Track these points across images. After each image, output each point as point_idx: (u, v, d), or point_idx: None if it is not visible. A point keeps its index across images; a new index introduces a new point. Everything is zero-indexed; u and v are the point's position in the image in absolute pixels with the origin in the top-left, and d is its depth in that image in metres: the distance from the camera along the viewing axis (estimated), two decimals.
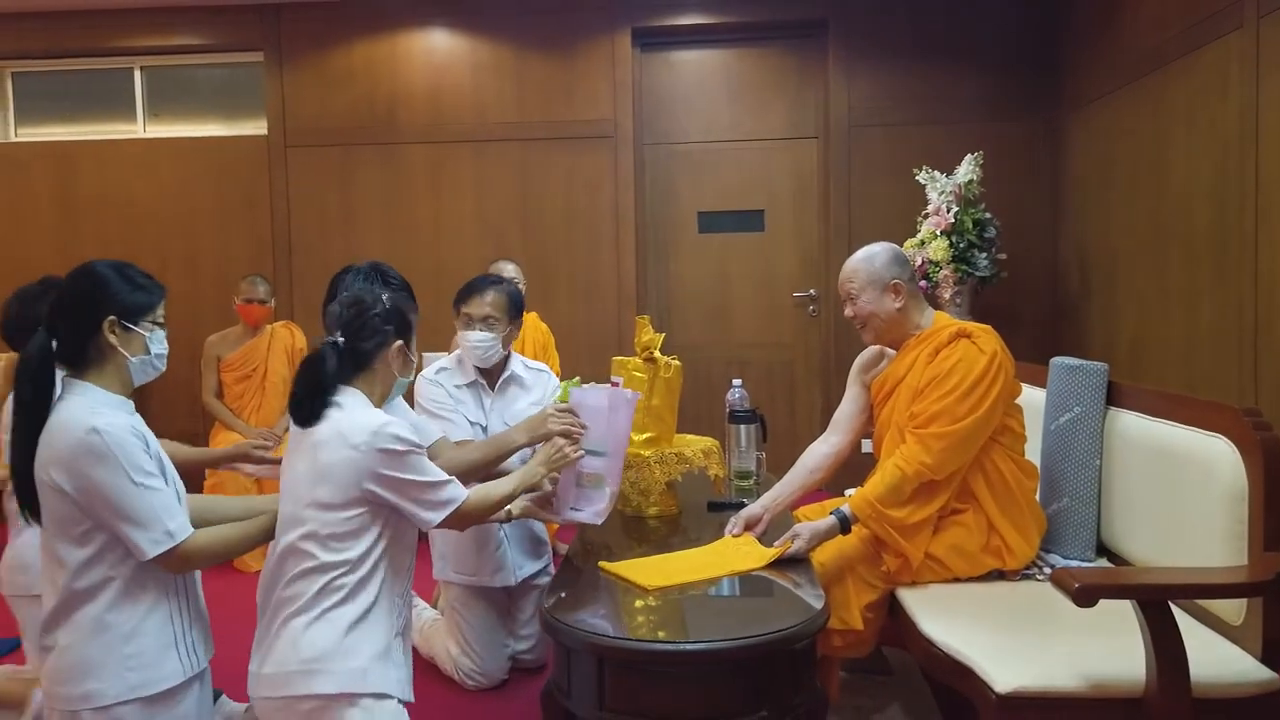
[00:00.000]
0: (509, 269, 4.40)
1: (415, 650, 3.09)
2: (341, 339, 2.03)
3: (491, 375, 2.99)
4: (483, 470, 2.51)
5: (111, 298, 1.90)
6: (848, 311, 2.57)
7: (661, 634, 1.88)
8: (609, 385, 2.52)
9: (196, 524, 1.94)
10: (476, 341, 2.87)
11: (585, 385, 2.50)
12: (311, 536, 1.89)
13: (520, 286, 4.40)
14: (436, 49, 5.32)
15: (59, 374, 1.90)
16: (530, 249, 5.28)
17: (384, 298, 2.09)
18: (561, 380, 2.85)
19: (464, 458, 2.52)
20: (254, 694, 1.90)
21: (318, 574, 1.88)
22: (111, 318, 1.89)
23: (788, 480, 2.67)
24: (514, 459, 2.62)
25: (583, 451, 2.36)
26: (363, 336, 2.04)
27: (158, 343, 1.96)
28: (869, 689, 2.77)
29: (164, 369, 2.00)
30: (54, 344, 1.88)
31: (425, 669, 3.00)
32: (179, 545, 1.84)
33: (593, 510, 2.39)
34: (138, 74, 5.58)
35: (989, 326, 2.45)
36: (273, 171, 5.39)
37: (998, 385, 2.30)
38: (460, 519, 2.06)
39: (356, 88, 5.35)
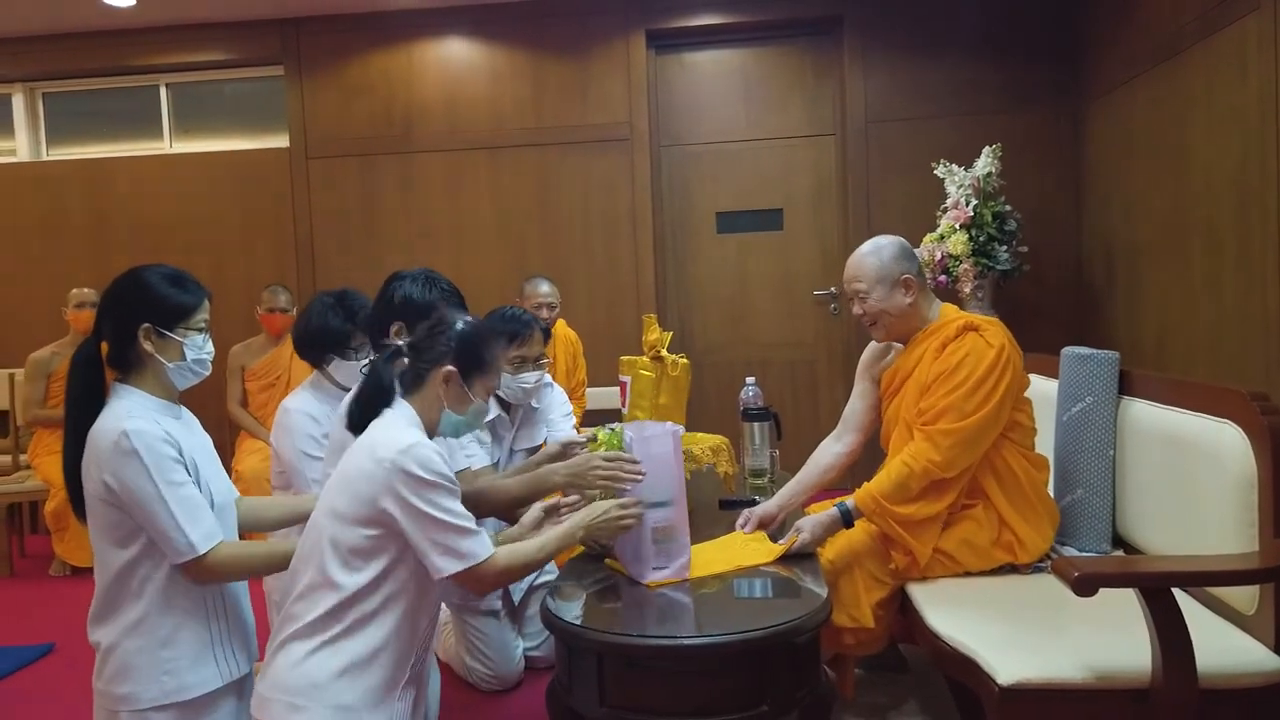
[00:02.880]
0: (545, 287, 4.34)
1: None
2: (407, 347, 1.96)
3: (514, 406, 2.94)
4: (520, 506, 2.31)
5: (147, 304, 1.90)
6: (856, 309, 2.50)
7: (660, 629, 1.88)
8: (643, 423, 2.34)
9: (245, 526, 1.96)
10: (535, 381, 2.83)
11: (616, 426, 2.31)
12: (327, 546, 1.79)
13: (556, 305, 4.38)
14: (452, 57, 5.37)
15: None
16: (549, 253, 5.31)
17: (461, 324, 1.96)
18: (592, 426, 2.69)
19: (505, 490, 2.35)
20: (251, 709, 1.84)
21: (326, 593, 1.76)
22: (146, 325, 1.89)
23: (800, 479, 2.64)
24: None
25: (637, 512, 2.08)
26: (423, 349, 1.95)
27: (195, 348, 1.94)
28: (885, 686, 2.74)
29: (207, 374, 1.99)
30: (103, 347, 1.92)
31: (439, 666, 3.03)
32: (201, 557, 1.82)
33: (678, 564, 2.14)
34: (163, 91, 5.70)
35: (997, 319, 2.41)
36: (295, 182, 5.47)
37: (1006, 379, 2.25)
38: (478, 581, 1.82)
39: (375, 98, 5.42)
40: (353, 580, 1.76)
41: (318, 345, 2.75)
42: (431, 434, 1.93)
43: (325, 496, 1.86)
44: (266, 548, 1.98)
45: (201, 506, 1.85)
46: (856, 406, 2.71)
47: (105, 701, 1.89)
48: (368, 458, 1.79)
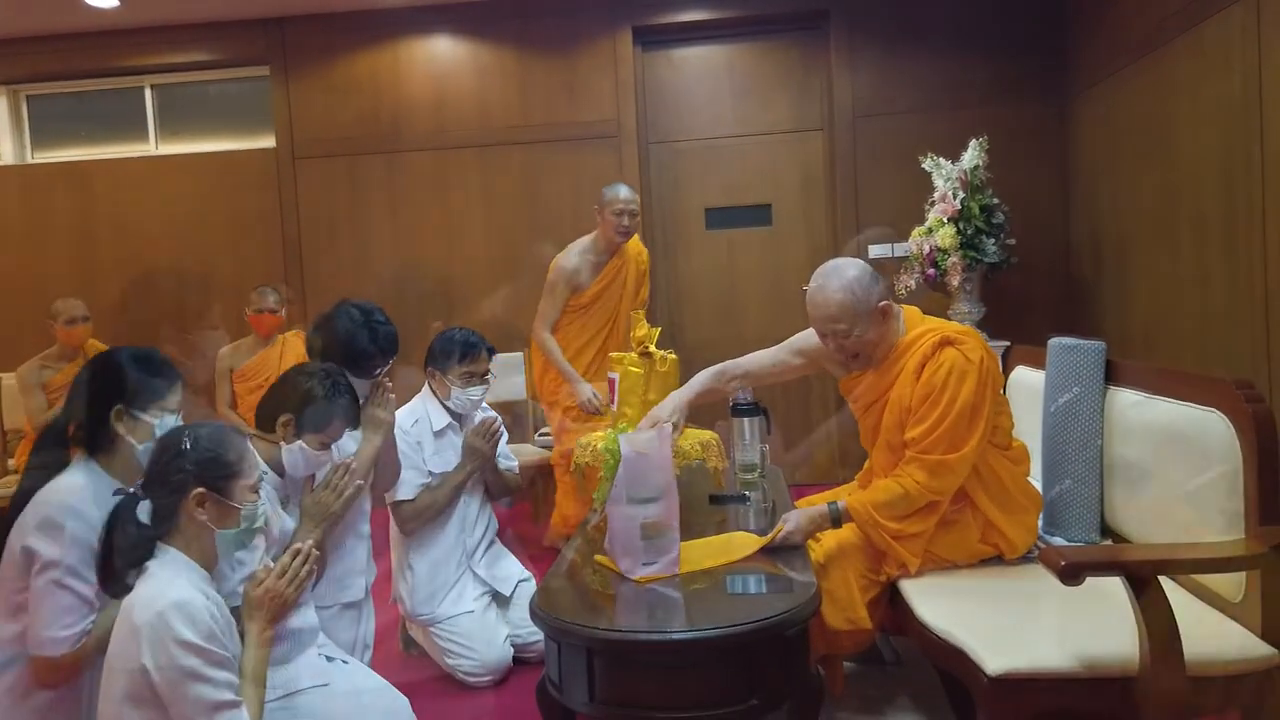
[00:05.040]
0: (625, 192, 4.08)
1: (416, 644, 3.13)
2: (141, 488, 1.75)
3: (463, 417, 3.13)
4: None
5: (122, 386, 1.91)
6: (833, 345, 2.37)
7: (648, 624, 1.88)
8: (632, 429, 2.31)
9: None
10: (481, 395, 3.07)
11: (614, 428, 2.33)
12: None
13: (638, 212, 4.22)
14: (439, 56, 5.36)
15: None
16: (538, 250, 5.28)
17: (186, 439, 1.76)
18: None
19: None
20: None
21: None
22: (119, 406, 1.90)
23: (701, 379, 2.68)
24: None
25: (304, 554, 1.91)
26: (159, 483, 1.75)
27: (164, 429, 1.92)
28: (876, 679, 2.74)
29: None
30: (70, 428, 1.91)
31: (430, 663, 3.03)
32: (56, 658, 1.75)
33: (667, 559, 2.14)
34: (148, 93, 5.67)
35: (970, 328, 2.37)
36: (282, 183, 5.45)
37: (989, 394, 2.25)
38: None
39: (362, 97, 5.40)
40: None
41: (338, 357, 2.75)
42: (212, 565, 1.79)
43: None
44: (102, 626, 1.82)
45: (85, 609, 1.80)
46: (765, 365, 2.70)
47: None
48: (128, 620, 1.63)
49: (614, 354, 2.95)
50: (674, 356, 2.89)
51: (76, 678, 1.82)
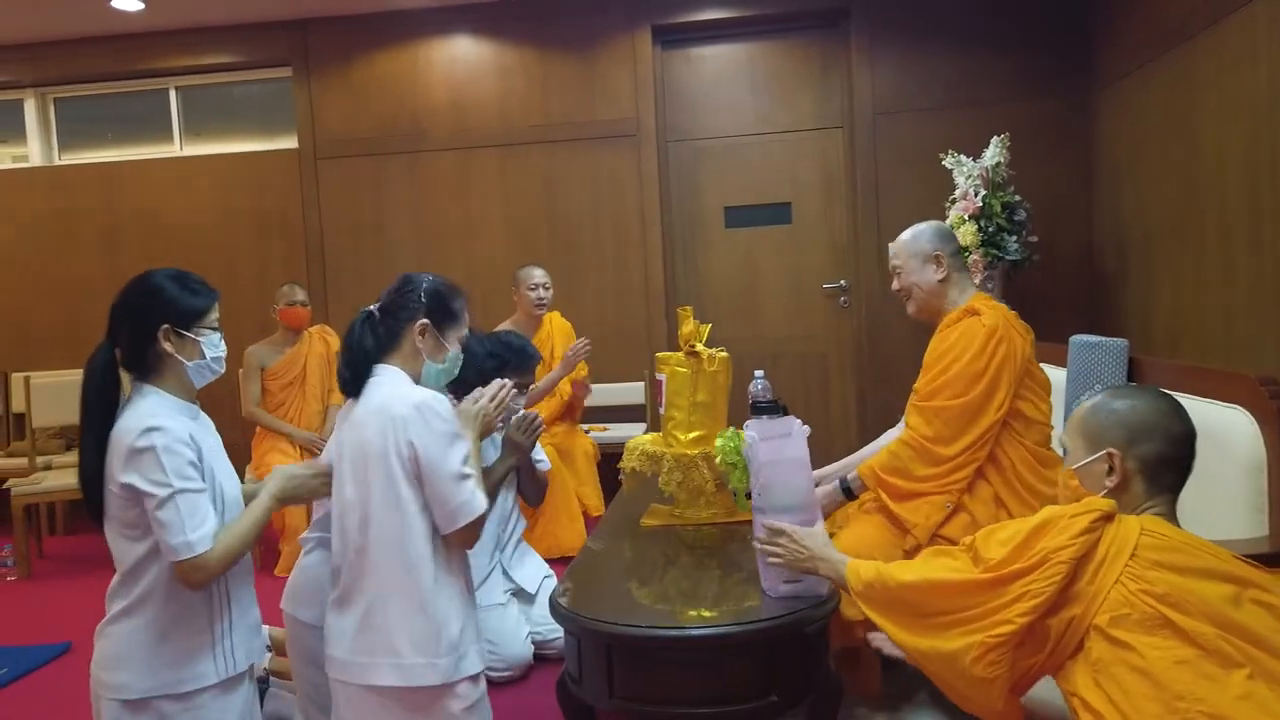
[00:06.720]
0: (539, 271, 4.46)
1: None
2: (378, 310, 2.08)
3: None
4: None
5: (164, 306, 1.96)
6: (894, 285, 2.62)
7: (668, 620, 1.88)
8: (765, 421, 2.16)
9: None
10: (523, 405, 3.03)
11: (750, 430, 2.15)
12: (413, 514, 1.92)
13: (551, 288, 4.50)
14: (459, 56, 5.39)
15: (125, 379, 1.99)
16: (558, 250, 5.31)
17: (428, 279, 2.12)
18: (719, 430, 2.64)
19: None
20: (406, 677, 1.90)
21: (421, 555, 1.90)
22: (166, 326, 1.94)
23: None
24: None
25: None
26: (394, 308, 2.08)
27: (213, 347, 2.00)
28: (895, 677, 2.73)
29: (223, 370, 2.05)
30: (117, 352, 1.96)
31: None
32: (195, 557, 1.81)
33: (814, 578, 1.93)
34: (173, 94, 5.73)
35: (1002, 305, 2.41)
36: (304, 184, 5.50)
37: (998, 358, 2.28)
38: (473, 532, 1.96)
39: (383, 98, 5.44)
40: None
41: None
42: (418, 380, 2.09)
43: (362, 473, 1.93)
44: (241, 525, 1.93)
45: (206, 510, 1.86)
46: None
47: (99, 689, 1.91)
48: (383, 418, 1.92)
49: (660, 354, 2.85)
50: (724, 354, 2.73)
51: (222, 572, 1.89)
